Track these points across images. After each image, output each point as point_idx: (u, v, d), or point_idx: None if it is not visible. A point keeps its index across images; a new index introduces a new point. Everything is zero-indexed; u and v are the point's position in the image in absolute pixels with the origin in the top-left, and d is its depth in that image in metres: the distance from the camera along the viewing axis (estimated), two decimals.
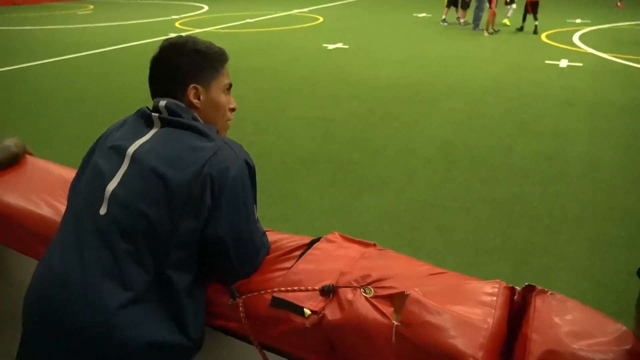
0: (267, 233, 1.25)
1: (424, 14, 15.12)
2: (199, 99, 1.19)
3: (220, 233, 1.08)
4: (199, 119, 1.18)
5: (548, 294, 0.96)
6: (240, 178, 1.11)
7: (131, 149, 1.10)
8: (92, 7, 18.68)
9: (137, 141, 1.11)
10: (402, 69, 7.68)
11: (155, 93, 1.20)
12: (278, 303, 1.05)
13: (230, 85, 1.25)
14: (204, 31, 11.73)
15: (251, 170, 1.17)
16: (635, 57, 8.24)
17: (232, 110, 1.27)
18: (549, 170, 3.98)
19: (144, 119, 1.16)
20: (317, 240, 1.20)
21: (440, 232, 3.12)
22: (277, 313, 1.05)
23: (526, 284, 0.99)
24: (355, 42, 10.19)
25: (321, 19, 14.20)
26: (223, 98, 1.23)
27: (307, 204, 3.46)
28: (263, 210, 3.29)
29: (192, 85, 1.18)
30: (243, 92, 6.46)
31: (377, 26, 12.76)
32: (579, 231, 3.10)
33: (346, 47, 9.63)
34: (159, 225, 1.04)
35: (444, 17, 12.91)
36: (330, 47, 9.62)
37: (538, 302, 0.94)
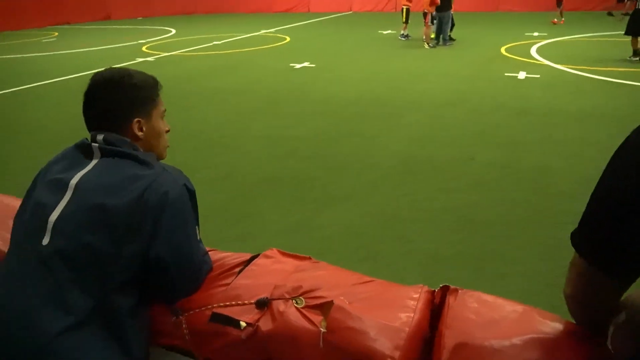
0: (210, 252, 1.31)
1: (389, 31, 15.49)
2: (142, 130, 1.26)
3: (162, 255, 1.14)
4: (138, 148, 1.24)
5: (460, 291, 1.05)
6: (179, 201, 1.17)
7: (73, 181, 1.15)
8: (56, 34, 18.53)
9: (79, 172, 1.17)
10: (366, 85, 7.85)
11: (92, 127, 1.25)
12: (217, 318, 1.11)
13: (165, 111, 1.33)
14: (171, 54, 11.77)
15: (191, 193, 1.24)
16: (586, 68, 8.62)
17: (167, 132, 1.34)
18: (504, 178, 4.13)
19: (84, 151, 1.21)
20: (256, 256, 1.26)
21: (400, 243, 3.20)
22: (217, 328, 1.11)
23: (441, 285, 1.07)
24: (321, 60, 10.37)
25: (288, 39, 14.40)
26: (162, 125, 1.31)
27: (270, 223, 3.51)
28: (227, 230, 3.36)
29: (136, 120, 1.24)
30: (208, 113, 6.52)
31: (343, 44, 13.02)
32: (531, 236, 3.22)
33: (312, 65, 9.79)
34: (102, 252, 1.09)
35: (402, 32, 13.49)
36: (297, 66, 9.78)
37: (451, 300, 1.03)
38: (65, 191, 1.14)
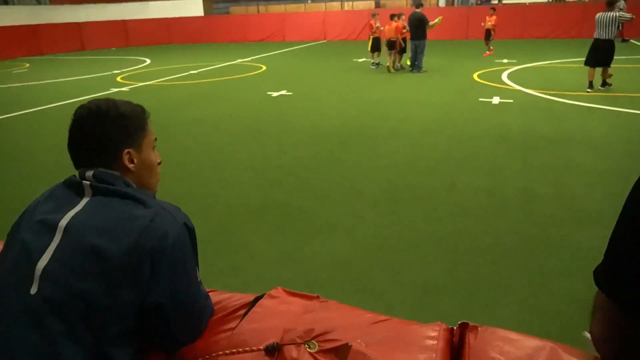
0: (210, 293, 1.24)
1: (363, 59, 15.76)
2: (133, 162, 1.19)
3: (161, 301, 1.06)
4: (132, 184, 1.17)
5: (480, 328, 1.00)
6: (179, 243, 1.10)
7: (63, 222, 1.06)
8: (27, 65, 18.26)
9: (69, 212, 1.08)
10: (344, 114, 7.90)
11: (80, 163, 1.17)
12: None
13: (156, 140, 1.27)
14: (146, 84, 11.68)
15: (191, 232, 1.17)
16: (557, 92, 8.89)
17: (159, 164, 1.28)
18: (488, 206, 4.12)
19: (74, 188, 1.13)
20: (261, 297, 1.20)
21: (389, 274, 3.14)
22: None
23: (459, 322, 1.02)
24: (298, 88, 10.43)
25: (264, 68, 14.49)
26: (153, 156, 1.24)
27: (257, 255, 3.43)
28: (213, 264, 3.26)
29: (125, 151, 1.17)
30: (188, 144, 6.43)
31: (319, 72, 13.16)
32: (520, 263, 3.20)
33: (290, 94, 9.84)
34: (96, 300, 1.00)
35: (372, 60, 13.92)
36: (275, 94, 9.80)
37: (471, 339, 0.98)
38: (54, 234, 1.05)
